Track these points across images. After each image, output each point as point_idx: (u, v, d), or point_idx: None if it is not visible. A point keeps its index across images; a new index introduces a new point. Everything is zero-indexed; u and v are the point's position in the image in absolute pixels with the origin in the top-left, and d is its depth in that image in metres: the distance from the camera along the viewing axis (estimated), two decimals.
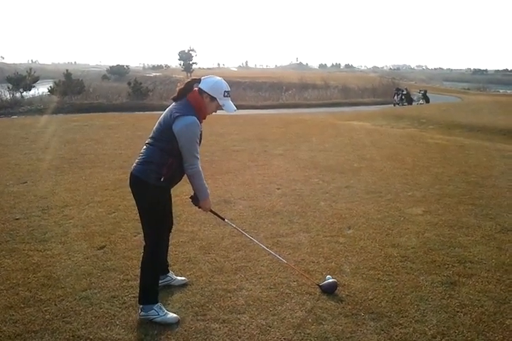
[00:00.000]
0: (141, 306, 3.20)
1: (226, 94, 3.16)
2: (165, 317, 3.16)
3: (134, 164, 3.19)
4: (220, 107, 3.19)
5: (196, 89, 3.17)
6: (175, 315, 3.20)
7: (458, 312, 3.33)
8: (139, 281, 3.31)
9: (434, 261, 4.19)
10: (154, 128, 3.21)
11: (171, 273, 3.70)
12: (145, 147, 3.21)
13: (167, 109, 3.19)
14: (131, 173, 3.18)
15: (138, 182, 3.16)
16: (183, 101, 3.14)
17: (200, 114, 3.14)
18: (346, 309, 3.35)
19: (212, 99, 3.13)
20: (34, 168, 7.79)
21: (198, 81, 3.18)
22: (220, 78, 3.22)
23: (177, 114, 3.04)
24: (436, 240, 4.70)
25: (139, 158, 3.19)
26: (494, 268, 4.06)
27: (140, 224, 3.34)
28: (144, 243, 3.30)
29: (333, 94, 36.07)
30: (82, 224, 5.04)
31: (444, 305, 3.41)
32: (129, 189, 3.24)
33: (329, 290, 3.60)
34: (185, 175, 3.22)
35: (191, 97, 3.14)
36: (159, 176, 3.08)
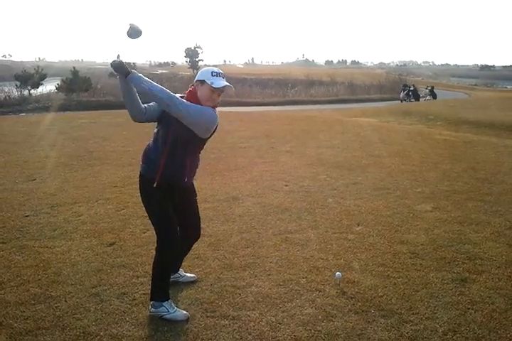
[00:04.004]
0: (151, 302, 3.21)
1: (214, 74, 3.08)
2: (174, 314, 3.16)
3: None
4: (217, 91, 3.08)
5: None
6: (184, 312, 3.20)
7: (469, 309, 3.31)
8: (151, 278, 3.31)
9: (444, 257, 4.17)
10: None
11: (180, 271, 3.70)
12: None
13: None
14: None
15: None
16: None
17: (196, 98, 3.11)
18: (356, 306, 3.34)
19: (202, 82, 3.08)
20: (43, 165, 7.82)
21: None
22: (210, 67, 3.21)
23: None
24: (446, 237, 4.67)
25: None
26: (504, 264, 4.04)
27: (149, 221, 3.36)
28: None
29: (340, 91, 35.99)
30: (91, 221, 5.06)
31: (455, 302, 3.39)
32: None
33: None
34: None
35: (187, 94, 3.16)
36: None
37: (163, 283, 3.25)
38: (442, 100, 26.83)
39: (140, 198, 3.32)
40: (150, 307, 3.21)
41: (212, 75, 3.08)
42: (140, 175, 3.26)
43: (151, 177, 3.14)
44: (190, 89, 3.16)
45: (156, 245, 3.25)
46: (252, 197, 5.99)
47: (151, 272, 3.30)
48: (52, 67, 45.62)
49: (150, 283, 3.31)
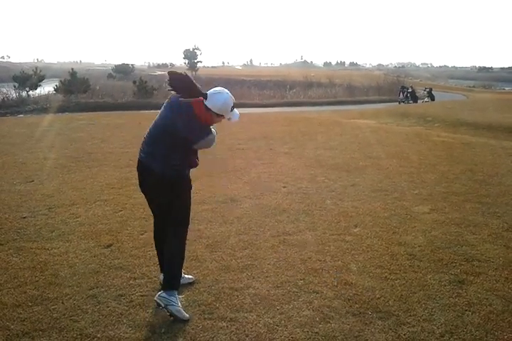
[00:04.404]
0: (161, 292, 3.21)
1: (232, 108, 3.20)
2: (180, 310, 3.16)
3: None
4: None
5: (201, 99, 3.11)
6: (187, 315, 3.19)
7: (466, 310, 3.31)
8: (168, 269, 3.34)
9: (441, 259, 4.18)
10: (153, 127, 3.32)
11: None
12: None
13: (169, 108, 3.23)
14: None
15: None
16: (189, 112, 3.12)
17: (206, 122, 3.19)
18: (354, 308, 3.35)
19: (219, 115, 3.18)
20: (41, 166, 7.82)
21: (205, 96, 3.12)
22: (226, 94, 3.16)
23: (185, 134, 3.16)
24: (443, 238, 4.68)
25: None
26: (502, 266, 4.04)
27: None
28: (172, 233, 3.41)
29: (338, 92, 36.00)
30: (88, 223, 5.05)
31: (452, 304, 3.40)
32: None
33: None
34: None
35: (197, 109, 3.11)
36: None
37: (180, 271, 3.39)
38: (440, 102, 26.87)
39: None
40: (161, 292, 3.19)
41: (231, 110, 3.20)
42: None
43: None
44: (204, 112, 3.12)
45: (176, 234, 3.38)
46: (249, 199, 5.98)
47: (169, 262, 3.35)
48: (50, 69, 45.66)
49: (165, 273, 3.36)
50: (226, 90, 3.20)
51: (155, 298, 3.22)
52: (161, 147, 3.25)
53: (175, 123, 3.14)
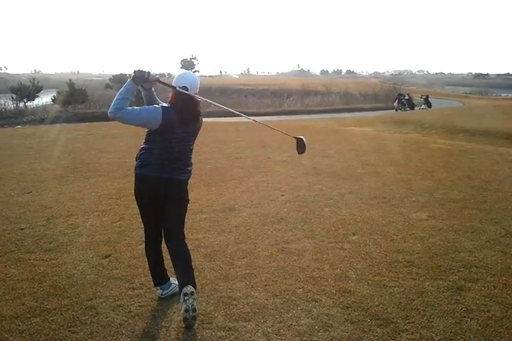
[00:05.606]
0: (192, 289, 3.19)
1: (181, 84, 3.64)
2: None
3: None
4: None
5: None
6: None
7: (464, 317, 3.31)
8: (189, 267, 3.38)
9: (440, 266, 4.18)
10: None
11: (172, 279, 3.67)
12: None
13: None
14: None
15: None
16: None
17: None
18: (352, 315, 3.34)
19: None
20: (38, 177, 7.82)
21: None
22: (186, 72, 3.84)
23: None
24: (441, 245, 4.69)
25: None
26: (500, 272, 4.05)
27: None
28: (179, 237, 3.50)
29: (335, 101, 36.19)
30: (87, 233, 5.06)
31: (451, 311, 3.40)
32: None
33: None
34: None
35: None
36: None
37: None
38: (437, 109, 27.03)
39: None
40: (192, 287, 3.19)
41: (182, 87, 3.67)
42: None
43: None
44: None
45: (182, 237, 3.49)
46: (248, 208, 5.99)
47: (187, 261, 3.42)
48: (48, 80, 45.73)
49: (184, 275, 3.35)
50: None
51: (189, 288, 3.15)
52: (189, 158, 3.56)
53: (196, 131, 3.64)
